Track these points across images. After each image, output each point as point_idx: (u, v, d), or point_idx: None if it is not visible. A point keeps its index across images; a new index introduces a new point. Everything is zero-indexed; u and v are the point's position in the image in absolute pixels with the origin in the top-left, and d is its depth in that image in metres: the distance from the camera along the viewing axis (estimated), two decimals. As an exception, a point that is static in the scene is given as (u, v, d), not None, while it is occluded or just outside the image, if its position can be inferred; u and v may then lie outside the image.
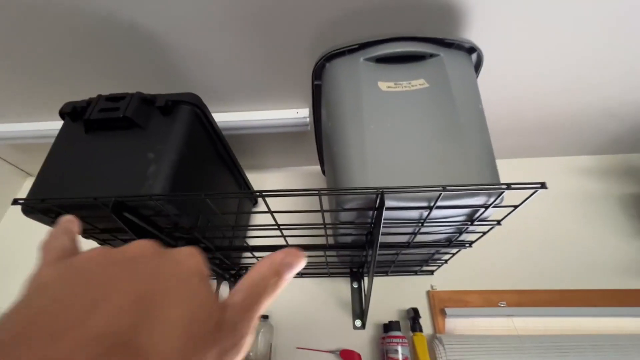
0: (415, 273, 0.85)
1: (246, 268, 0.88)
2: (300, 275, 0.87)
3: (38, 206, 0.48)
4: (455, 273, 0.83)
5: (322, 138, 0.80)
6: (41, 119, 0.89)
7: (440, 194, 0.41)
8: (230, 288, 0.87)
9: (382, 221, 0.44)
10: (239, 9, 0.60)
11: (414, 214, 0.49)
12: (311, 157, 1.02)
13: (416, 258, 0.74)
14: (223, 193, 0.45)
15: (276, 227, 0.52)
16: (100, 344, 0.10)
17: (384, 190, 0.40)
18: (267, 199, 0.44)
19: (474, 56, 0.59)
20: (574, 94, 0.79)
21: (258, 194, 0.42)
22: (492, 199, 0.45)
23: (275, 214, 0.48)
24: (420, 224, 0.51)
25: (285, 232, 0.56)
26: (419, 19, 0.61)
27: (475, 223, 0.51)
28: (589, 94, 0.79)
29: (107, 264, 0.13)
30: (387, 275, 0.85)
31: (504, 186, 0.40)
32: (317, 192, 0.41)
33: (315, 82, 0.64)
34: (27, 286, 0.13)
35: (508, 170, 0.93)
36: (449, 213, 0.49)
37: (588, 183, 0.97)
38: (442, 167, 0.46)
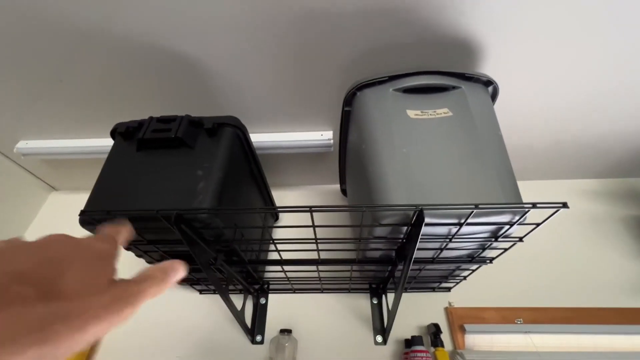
0: (433, 290, 0.88)
1: (268, 283, 0.91)
2: (320, 290, 0.90)
3: (99, 217, 0.52)
4: (471, 290, 0.86)
5: (346, 159, 0.85)
6: (76, 136, 0.94)
7: (472, 212, 0.46)
8: (254, 302, 0.89)
9: (420, 236, 0.48)
10: (278, 43, 0.67)
11: (442, 230, 0.54)
12: (329, 177, 1.08)
13: (437, 274, 0.77)
14: (272, 208, 0.49)
15: (314, 241, 0.56)
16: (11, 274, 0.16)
17: (423, 207, 0.45)
18: (289, 214, 0.48)
19: (491, 88, 0.66)
20: (581, 122, 0.86)
21: (308, 209, 0.46)
22: (516, 217, 0.49)
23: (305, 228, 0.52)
24: (448, 240, 0.55)
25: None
26: (443, 53, 0.68)
27: (499, 239, 0.55)
28: (595, 122, 0.85)
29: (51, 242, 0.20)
30: (407, 291, 0.87)
31: (530, 205, 0.45)
32: (362, 207, 0.45)
33: (346, 109, 0.70)
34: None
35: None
36: (475, 230, 0.53)
37: (593, 205, 1.02)
38: (469, 187, 0.51)
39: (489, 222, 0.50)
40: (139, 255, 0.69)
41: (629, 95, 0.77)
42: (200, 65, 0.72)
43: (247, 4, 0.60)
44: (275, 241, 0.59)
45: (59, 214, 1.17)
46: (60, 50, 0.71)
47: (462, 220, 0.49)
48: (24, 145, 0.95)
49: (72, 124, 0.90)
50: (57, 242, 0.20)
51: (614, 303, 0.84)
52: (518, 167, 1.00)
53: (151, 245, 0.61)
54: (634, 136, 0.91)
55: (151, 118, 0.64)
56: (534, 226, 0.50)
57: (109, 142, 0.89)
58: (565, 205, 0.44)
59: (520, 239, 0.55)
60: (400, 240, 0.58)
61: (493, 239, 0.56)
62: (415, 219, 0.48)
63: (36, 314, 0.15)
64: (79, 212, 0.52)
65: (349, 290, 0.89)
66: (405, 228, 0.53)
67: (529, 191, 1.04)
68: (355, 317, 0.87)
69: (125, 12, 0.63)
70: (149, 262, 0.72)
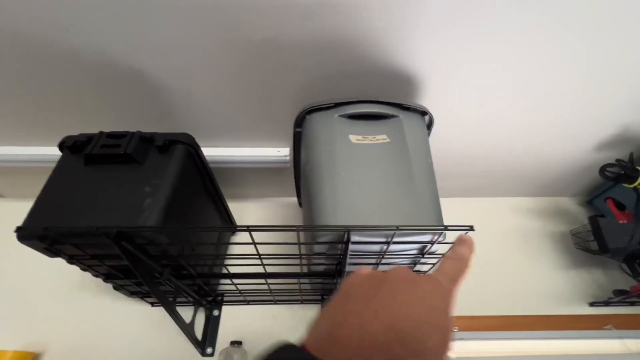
0: (381, 300, 0.94)
1: (222, 295, 0.92)
2: (273, 302, 0.92)
3: (37, 233, 0.52)
4: (415, 300, 0.92)
5: (300, 175, 0.89)
6: (24, 144, 0.92)
7: (394, 232, 0.51)
8: (207, 314, 0.90)
9: (349, 253, 0.53)
10: (232, 61, 0.70)
11: (376, 247, 0.59)
12: (288, 190, 1.11)
13: (380, 286, 0.82)
14: (216, 227, 0.52)
15: (258, 256, 0.60)
16: (386, 333, 0.16)
17: (350, 228, 0.49)
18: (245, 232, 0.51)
19: (427, 117, 0.73)
20: (513, 146, 0.96)
21: (246, 228, 0.50)
22: (436, 237, 0.55)
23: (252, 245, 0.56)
24: (381, 256, 0.60)
25: (264, 261, 0.63)
26: (385, 83, 0.74)
27: (426, 256, 0.61)
28: (525, 146, 0.96)
29: (385, 280, 0.20)
30: (355, 302, 0.92)
31: (442, 227, 0.51)
32: (295, 228, 0.49)
33: (297, 129, 0.75)
34: (338, 291, 0.20)
35: (458, 208, 1.07)
36: (403, 247, 0.59)
37: (527, 221, 1.13)
38: (398, 209, 0.57)
39: (413, 240, 0.56)
40: (83, 269, 0.68)
41: (557, 124, 0.87)
42: (156, 81, 0.73)
43: (204, 26, 0.63)
44: (221, 256, 0.62)
45: (6, 222, 1.11)
46: (10, 60, 0.70)
47: (389, 239, 0.54)
48: (-35, 151, 0.90)
49: (20, 132, 0.88)
50: (414, 283, 0.19)
51: (541, 311, 0.94)
52: (456, 185, 1.10)
53: (95, 259, 0.62)
54: (564, 160, 1.02)
55: (101, 133, 0.65)
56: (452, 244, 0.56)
57: (57, 152, 0.88)
58: (471, 228, 0.50)
59: (443, 256, 0.61)
60: (339, 256, 0.62)
61: (421, 256, 0.62)
62: (346, 238, 0.53)
63: None
64: (16, 229, 0.51)
65: (301, 302, 0.92)
66: (340, 245, 0.57)
67: (472, 207, 1.15)
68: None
69: (80, 26, 0.63)
70: (95, 276, 0.72)
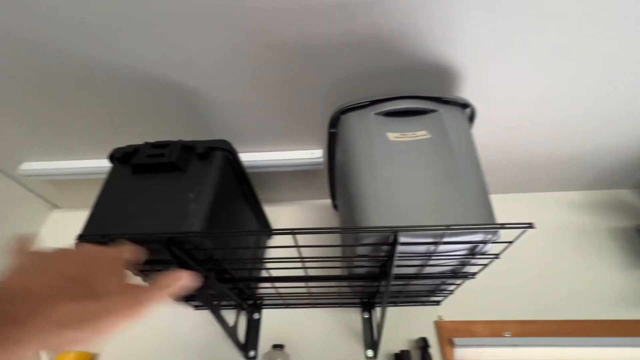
0: (423, 303, 0.90)
1: (262, 298, 0.93)
2: (313, 305, 0.92)
3: (97, 241, 0.55)
4: (460, 304, 0.88)
5: (334, 177, 0.88)
6: (76, 157, 0.98)
7: (444, 232, 0.49)
8: (248, 317, 0.91)
9: (396, 255, 0.51)
10: (266, 67, 0.71)
11: (422, 248, 0.56)
12: (321, 192, 1.10)
13: (424, 289, 0.79)
14: (259, 231, 0.52)
15: (300, 259, 0.59)
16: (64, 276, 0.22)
17: (398, 229, 0.47)
18: (282, 235, 0.51)
19: (468, 110, 0.69)
20: (563, 134, 0.88)
21: (290, 231, 0.49)
22: (489, 236, 0.52)
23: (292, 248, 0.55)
24: (428, 257, 0.57)
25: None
26: (422, 77, 0.72)
27: (476, 257, 0.58)
28: (577, 134, 0.88)
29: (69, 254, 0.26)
30: (397, 305, 0.89)
31: (498, 226, 0.48)
32: (340, 230, 0.48)
33: (331, 130, 0.74)
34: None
35: (504, 204, 1.01)
36: (452, 248, 0.56)
37: (580, 217, 1.04)
38: (445, 207, 0.54)
39: (464, 240, 0.53)
40: (134, 274, 0.71)
41: (614, 110, 0.80)
42: (195, 93, 0.76)
43: (240, 37, 0.64)
44: (264, 260, 0.62)
45: (61, 231, 1.20)
46: (63, 81, 0.75)
47: (438, 240, 0.52)
48: (27, 166, 0.99)
49: (73, 147, 0.94)
50: (88, 249, 0.26)
51: (602, 315, 0.85)
52: (500, 179, 1.04)
53: (146, 265, 0.64)
54: (622, 149, 0.93)
55: (146, 143, 0.68)
56: (507, 244, 0.53)
57: (107, 163, 0.93)
58: (531, 225, 0.46)
59: (497, 256, 0.57)
60: (383, 258, 0.60)
61: (471, 256, 0.58)
62: (392, 239, 0.51)
63: (85, 308, 0.20)
64: (76, 236, 0.55)
65: (341, 305, 0.91)
66: (385, 247, 0.55)
67: (517, 203, 1.07)
68: (347, 332, 0.88)
69: (124, 47, 0.67)
70: (144, 281, 0.75)
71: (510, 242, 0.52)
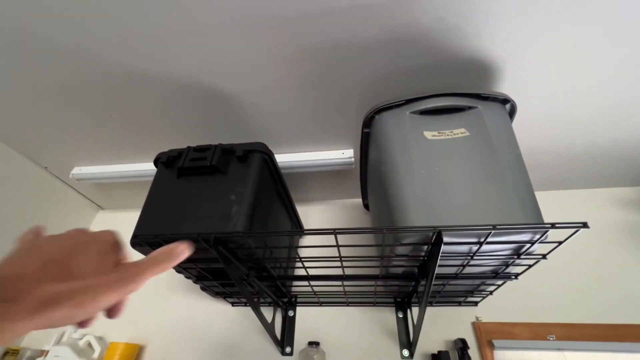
0: (459, 304, 0.88)
1: (296, 296, 0.95)
2: (346, 304, 0.92)
3: (147, 240, 0.59)
4: (499, 305, 0.85)
5: (367, 176, 0.89)
6: (121, 162, 1.05)
7: (490, 232, 0.48)
8: (283, 314, 0.93)
9: (439, 255, 0.50)
10: (303, 73, 0.73)
11: (463, 248, 0.55)
12: (351, 192, 1.11)
13: (462, 289, 0.78)
14: (299, 230, 0.54)
15: (339, 259, 0.60)
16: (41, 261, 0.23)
17: (441, 229, 0.47)
18: (312, 235, 0.52)
19: (508, 106, 0.67)
20: (609, 127, 0.83)
21: (332, 231, 0.50)
22: (537, 236, 0.50)
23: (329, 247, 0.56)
24: (469, 257, 0.56)
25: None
26: (459, 74, 0.70)
27: (522, 257, 0.56)
28: (625, 126, 0.83)
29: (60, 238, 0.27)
30: (432, 305, 0.88)
31: (549, 225, 0.46)
32: (383, 230, 0.49)
33: (365, 130, 0.74)
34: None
35: (550, 202, 0.97)
36: (496, 248, 0.55)
37: (630, 214, 0.97)
38: (488, 207, 0.53)
39: (509, 240, 0.51)
40: (178, 272, 0.76)
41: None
42: (233, 97, 0.79)
43: (275, 44, 0.66)
44: (302, 259, 0.63)
45: (106, 231, 1.29)
46: (111, 90, 0.81)
47: (482, 239, 0.51)
48: (77, 171, 1.07)
49: (119, 152, 1.01)
50: (75, 234, 0.27)
51: (657, 319, 0.80)
52: (545, 177, 0.99)
53: (190, 262, 0.68)
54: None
55: (189, 148, 0.71)
56: (556, 244, 0.51)
57: (149, 167, 0.99)
58: (585, 225, 0.44)
59: (544, 257, 0.55)
60: (422, 258, 0.60)
61: (515, 257, 0.56)
62: (435, 239, 0.50)
63: (66, 287, 0.23)
64: (131, 237, 0.59)
65: (374, 304, 0.91)
66: (426, 247, 0.55)
67: (562, 200, 1.02)
68: (381, 331, 0.88)
69: (168, 57, 0.71)
70: (187, 278, 0.79)
71: (559, 243, 0.51)
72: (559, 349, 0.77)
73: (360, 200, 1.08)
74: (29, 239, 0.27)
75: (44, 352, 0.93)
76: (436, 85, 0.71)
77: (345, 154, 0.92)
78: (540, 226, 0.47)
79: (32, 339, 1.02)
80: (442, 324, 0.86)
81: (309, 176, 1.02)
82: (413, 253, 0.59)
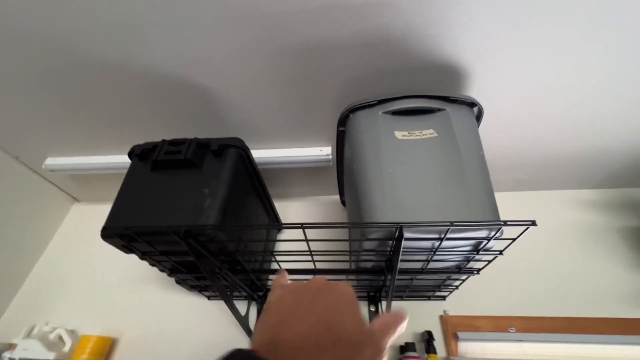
0: (429, 298, 0.92)
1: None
2: (321, 297, 0.94)
3: (118, 232, 0.59)
4: (466, 299, 0.89)
5: (343, 174, 0.91)
6: (97, 153, 1.03)
7: (449, 228, 0.50)
8: (258, 308, 0.95)
9: (401, 250, 0.53)
10: (277, 67, 0.73)
11: (427, 244, 0.58)
12: (330, 188, 1.13)
13: (429, 284, 0.81)
14: (270, 224, 0.55)
15: (309, 253, 0.62)
16: (317, 327, 0.22)
17: (403, 224, 0.49)
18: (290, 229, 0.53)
19: (475, 109, 0.70)
20: (572, 132, 0.88)
21: (300, 225, 0.52)
22: (492, 233, 0.53)
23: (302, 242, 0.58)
24: (432, 253, 0.59)
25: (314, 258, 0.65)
26: (430, 77, 0.73)
27: (480, 253, 0.59)
28: (587, 132, 0.87)
29: (307, 290, 0.26)
30: (403, 299, 0.91)
31: (502, 223, 0.49)
32: (347, 225, 0.51)
33: (340, 128, 0.76)
34: (268, 303, 0.26)
35: (513, 203, 1.02)
36: (457, 244, 0.58)
37: (589, 215, 1.03)
38: (450, 205, 0.56)
39: (467, 237, 0.54)
40: (152, 264, 0.76)
41: (625, 108, 0.79)
42: (210, 92, 0.79)
43: (253, 38, 0.67)
44: (274, 253, 0.65)
45: (81, 224, 1.27)
46: (83, 80, 0.79)
47: (442, 236, 0.53)
48: (51, 161, 1.04)
49: (94, 143, 0.99)
50: (334, 292, 0.25)
51: (608, 313, 0.86)
52: (510, 178, 1.04)
53: (163, 255, 0.68)
54: (633, 147, 0.92)
55: (163, 141, 0.71)
56: (511, 241, 0.54)
57: (126, 159, 0.97)
58: (534, 223, 0.48)
59: (500, 252, 0.59)
60: (388, 253, 0.62)
61: (475, 252, 0.60)
62: (397, 235, 0.53)
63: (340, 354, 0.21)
64: (101, 228, 0.59)
65: (347, 298, 0.94)
66: (391, 242, 0.58)
67: (526, 201, 1.08)
68: (354, 324, 0.91)
69: (144, 49, 0.70)
70: (161, 271, 0.79)
71: (513, 239, 0.54)
72: (518, 341, 0.82)
73: (337, 197, 1.10)
74: (288, 290, 0.26)
75: (12, 346, 0.91)
76: (408, 87, 0.74)
77: (323, 152, 0.94)
78: (494, 223, 0.50)
79: (0, 332, 1.00)
80: (412, 317, 0.88)
81: (288, 172, 1.04)
82: (380, 248, 0.61)
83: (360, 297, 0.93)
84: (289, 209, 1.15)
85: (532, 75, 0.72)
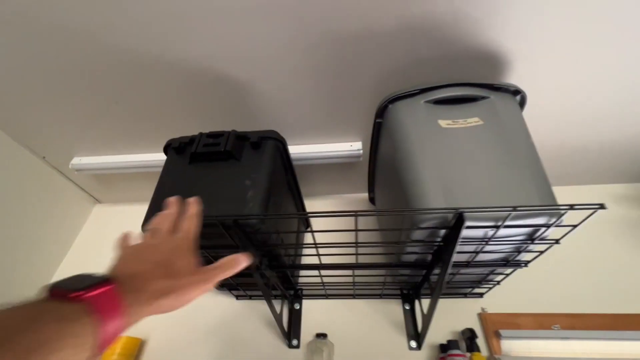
0: (465, 295, 0.89)
1: (302, 289, 0.94)
2: (352, 296, 0.92)
3: (162, 224, 0.58)
4: (504, 296, 0.86)
5: (376, 167, 0.89)
6: (124, 152, 1.03)
7: (510, 214, 0.48)
8: (289, 307, 0.92)
9: (459, 239, 0.51)
10: (316, 64, 0.73)
11: (479, 233, 0.56)
12: (356, 186, 1.11)
13: (470, 279, 0.78)
14: (322, 213, 0.52)
15: (355, 245, 0.60)
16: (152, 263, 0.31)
17: (463, 210, 0.48)
18: (319, 221, 0.52)
19: (519, 97, 0.69)
20: (611, 123, 0.85)
21: (354, 213, 0.50)
22: (553, 219, 0.51)
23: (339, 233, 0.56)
24: (485, 242, 0.57)
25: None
26: (472, 65, 0.71)
27: (536, 242, 0.57)
28: (626, 123, 0.85)
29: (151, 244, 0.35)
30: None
31: (567, 207, 0.47)
32: (401, 211, 0.49)
33: (377, 120, 0.75)
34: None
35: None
36: (512, 232, 0.55)
37: (630, 210, 1.00)
38: (505, 191, 0.54)
39: (526, 224, 0.52)
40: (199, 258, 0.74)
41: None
42: (244, 85, 0.78)
43: (289, 30, 0.66)
44: (317, 245, 0.63)
45: (103, 225, 1.26)
46: (117, 76, 0.79)
47: (500, 223, 0.51)
48: (77, 161, 1.04)
49: (122, 141, 0.99)
50: (169, 239, 0.36)
51: (656, 310, 0.82)
52: (551, 172, 1.01)
53: (203, 249, 0.67)
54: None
55: (201, 134, 0.70)
56: (571, 228, 0.52)
57: (153, 157, 0.96)
58: (602, 206, 0.46)
59: (557, 241, 0.56)
60: (437, 244, 0.60)
61: (529, 241, 0.58)
62: (455, 222, 0.51)
63: (172, 283, 0.30)
64: (142, 223, 0.57)
65: (380, 297, 0.91)
66: (443, 231, 0.56)
67: (561, 197, 1.04)
68: (388, 323, 0.88)
69: (179, 42, 0.70)
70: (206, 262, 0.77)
71: (574, 226, 0.52)
72: (564, 338, 0.79)
73: (364, 194, 1.08)
74: (128, 245, 0.35)
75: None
76: (448, 76, 0.73)
77: (354, 146, 0.93)
78: (558, 208, 0.48)
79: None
80: (447, 316, 0.86)
81: (315, 169, 1.02)
82: (429, 238, 0.59)
83: (392, 295, 0.91)
84: (314, 207, 1.13)
85: (573, 63, 0.71)
